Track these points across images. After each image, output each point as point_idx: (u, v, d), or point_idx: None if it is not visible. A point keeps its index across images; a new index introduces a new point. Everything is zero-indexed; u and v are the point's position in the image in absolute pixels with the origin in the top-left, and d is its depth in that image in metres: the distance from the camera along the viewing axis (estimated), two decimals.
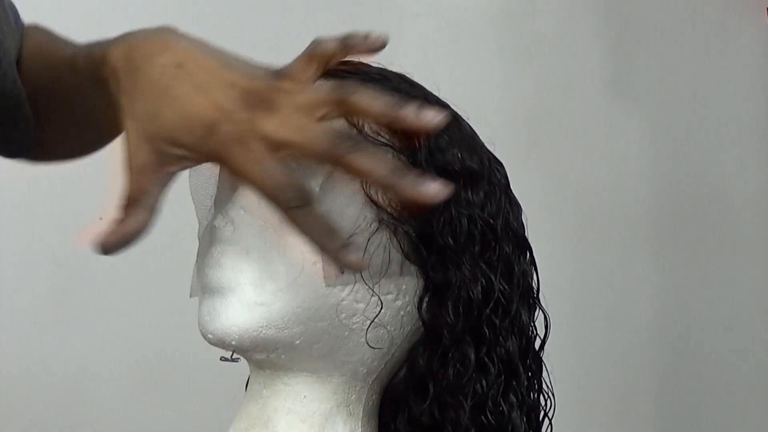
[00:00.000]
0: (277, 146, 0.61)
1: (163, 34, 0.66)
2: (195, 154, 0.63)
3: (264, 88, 0.63)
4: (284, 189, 0.61)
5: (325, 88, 0.64)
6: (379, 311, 0.70)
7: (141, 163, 0.63)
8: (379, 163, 0.62)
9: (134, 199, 0.63)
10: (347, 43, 0.67)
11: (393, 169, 0.61)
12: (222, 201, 0.73)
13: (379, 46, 0.68)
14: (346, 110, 0.64)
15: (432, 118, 0.63)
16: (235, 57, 0.66)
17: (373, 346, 0.70)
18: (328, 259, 0.63)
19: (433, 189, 0.61)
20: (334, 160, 0.62)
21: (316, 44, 0.67)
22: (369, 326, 0.70)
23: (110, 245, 0.63)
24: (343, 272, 0.68)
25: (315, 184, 0.69)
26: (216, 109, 0.61)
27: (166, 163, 0.64)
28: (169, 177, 0.65)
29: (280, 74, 0.66)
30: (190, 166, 0.65)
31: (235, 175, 0.63)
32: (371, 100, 0.64)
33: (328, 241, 0.61)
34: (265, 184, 0.61)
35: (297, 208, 0.61)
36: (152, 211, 0.64)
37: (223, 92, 0.62)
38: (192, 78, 0.63)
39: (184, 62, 0.63)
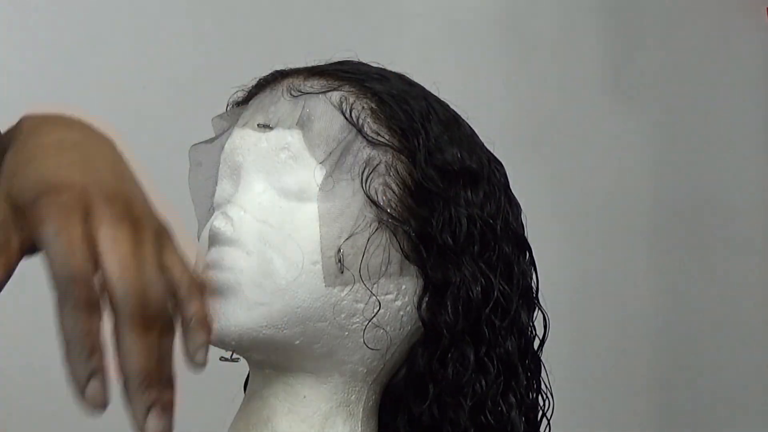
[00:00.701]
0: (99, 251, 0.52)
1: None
2: (23, 213, 0.55)
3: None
4: (69, 283, 0.52)
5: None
6: (379, 311, 0.70)
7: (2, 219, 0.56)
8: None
9: None
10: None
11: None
12: (222, 201, 0.73)
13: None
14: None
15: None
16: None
17: (373, 346, 0.71)
18: (70, 382, 0.54)
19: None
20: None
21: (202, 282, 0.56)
22: (368, 326, 0.70)
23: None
24: (342, 272, 0.68)
25: (315, 184, 0.69)
26: (60, 175, 0.54)
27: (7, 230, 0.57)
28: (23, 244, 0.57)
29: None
30: (22, 236, 0.57)
31: (36, 241, 0.55)
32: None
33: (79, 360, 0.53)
34: (61, 260, 0.52)
35: (69, 309, 0.53)
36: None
37: (82, 171, 0.54)
38: (63, 151, 0.56)
39: (64, 139, 0.57)
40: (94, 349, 0.52)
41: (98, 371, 0.52)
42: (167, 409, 0.54)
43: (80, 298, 0.51)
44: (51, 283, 0.52)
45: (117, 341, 0.52)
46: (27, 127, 0.59)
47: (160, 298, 0.52)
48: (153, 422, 0.54)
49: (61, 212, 0.52)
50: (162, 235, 0.54)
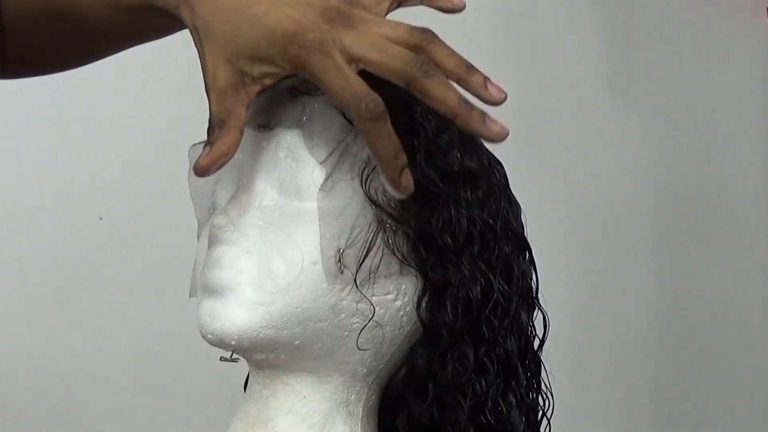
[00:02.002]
0: (354, 60, 0.62)
1: None
2: (276, 66, 0.63)
3: (342, 7, 0.64)
4: (362, 99, 0.61)
5: (404, 26, 0.65)
6: (379, 311, 0.70)
7: (222, 85, 0.64)
8: (451, 92, 0.62)
9: (221, 121, 0.64)
10: None
11: (463, 103, 0.62)
12: (222, 201, 0.73)
13: (458, 8, 0.69)
14: (421, 53, 0.64)
15: (498, 93, 0.64)
16: None
17: (373, 346, 0.71)
18: (385, 177, 0.62)
19: (496, 128, 0.62)
20: (408, 81, 0.62)
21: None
22: (368, 326, 0.70)
23: (204, 167, 0.63)
24: (342, 272, 0.68)
25: (315, 184, 0.69)
26: (296, 22, 0.62)
27: (248, 83, 0.64)
28: (252, 96, 0.65)
29: (354, 1, 0.67)
30: (270, 84, 0.65)
31: (314, 82, 0.63)
32: (448, 53, 0.64)
33: (393, 158, 0.62)
34: (344, 93, 0.61)
35: (372, 120, 0.61)
36: (240, 131, 0.64)
37: (302, 9, 0.63)
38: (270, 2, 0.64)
39: None
40: (398, 147, 0.62)
41: (405, 165, 0.62)
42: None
43: (371, 110, 0.60)
44: (341, 106, 0.62)
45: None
46: None
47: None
48: (494, 125, 0.63)
49: (318, 48, 0.61)
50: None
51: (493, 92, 0.64)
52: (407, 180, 0.62)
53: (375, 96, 0.62)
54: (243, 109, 0.64)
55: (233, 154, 0.64)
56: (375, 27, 0.64)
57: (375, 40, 0.63)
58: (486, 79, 0.64)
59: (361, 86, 0.61)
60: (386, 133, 0.62)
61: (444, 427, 0.71)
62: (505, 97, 0.64)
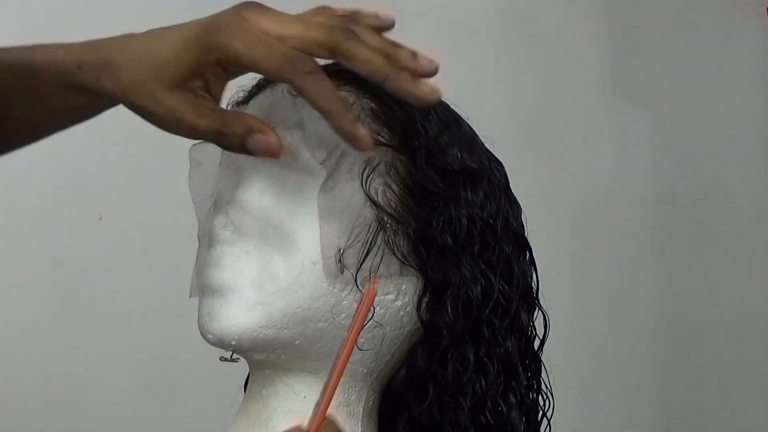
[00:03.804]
0: (279, 36, 0.61)
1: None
2: (206, 66, 0.62)
3: (252, 1, 0.63)
4: (292, 58, 0.60)
5: (321, 9, 0.65)
6: (379, 311, 0.70)
7: (186, 105, 0.62)
8: (377, 54, 0.61)
9: (224, 124, 0.62)
10: (354, 16, 0.67)
11: (391, 65, 0.61)
12: (222, 201, 0.73)
13: (386, 26, 0.67)
14: (338, 32, 0.63)
15: (428, 64, 0.63)
16: None
17: (373, 346, 0.70)
18: (341, 133, 0.61)
19: (427, 89, 0.61)
20: (332, 47, 0.61)
21: (321, 5, 0.67)
22: (368, 326, 0.70)
23: (277, 145, 0.62)
24: (342, 272, 0.68)
25: (315, 184, 0.69)
26: (206, 20, 0.63)
27: (200, 93, 0.63)
28: (220, 93, 0.64)
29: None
30: (220, 85, 0.64)
31: (241, 63, 0.61)
32: (371, 34, 0.63)
33: (342, 110, 0.61)
34: (272, 58, 0.60)
35: (309, 74, 0.60)
36: (246, 116, 0.64)
37: (210, 15, 0.63)
38: (179, 26, 0.64)
39: (168, 27, 0.65)
40: (343, 98, 0.62)
41: (356, 116, 0.63)
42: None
43: (304, 64, 0.60)
44: (274, 74, 0.61)
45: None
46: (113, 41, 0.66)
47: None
48: (425, 86, 0.62)
49: (232, 25, 0.61)
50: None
51: (423, 62, 0.63)
52: (362, 130, 0.61)
53: (304, 54, 0.60)
54: (219, 107, 0.64)
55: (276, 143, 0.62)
56: (291, 14, 0.63)
57: (289, 17, 0.62)
58: (412, 52, 0.63)
59: (287, 48, 0.60)
60: (327, 86, 0.60)
61: (444, 427, 0.71)
62: (437, 67, 0.63)
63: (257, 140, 0.62)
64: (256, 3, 0.63)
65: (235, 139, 0.62)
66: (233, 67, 0.63)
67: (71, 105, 0.69)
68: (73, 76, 0.66)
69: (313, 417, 0.67)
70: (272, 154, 0.62)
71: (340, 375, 0.67)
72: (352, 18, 0.64)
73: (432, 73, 0.63)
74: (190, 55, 0.62)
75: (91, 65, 0.65)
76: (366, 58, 0.61)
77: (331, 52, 0.61)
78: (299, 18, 0.63)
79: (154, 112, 0.63)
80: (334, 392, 0.67)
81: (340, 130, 0.61)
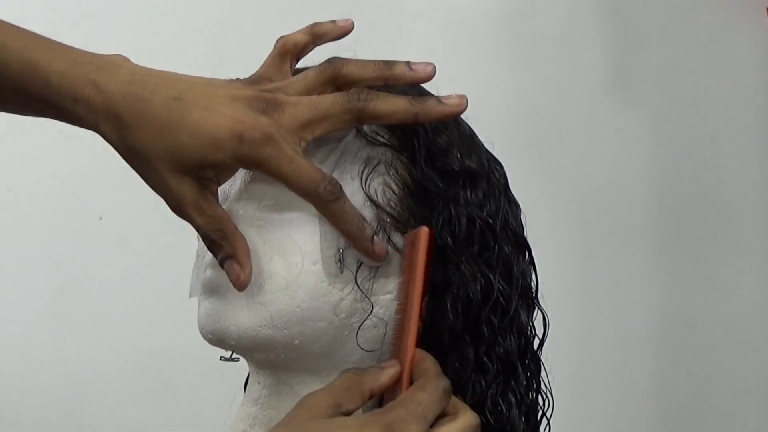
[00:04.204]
0: (301, 136, 0.64)
1: (121, 62, 0.66)
2: (227, 168, 0.65)
3: (261, 92, 0.65)
4: (319, 183, 0.64)
5: (311, 72, 0.67)
6: (378, 311, 0.70)
7: (193, 198, 0.65)
8: (398, 99, 0.65)
9: (219, 231, 0.65)
10: (314, 32, 0.71)
11: (412, 100, 0.65)
12: (222, 201, 0.73)
13: (346, 30, 0.71)
14: (341, 83, 0.67)
15: (424, 68, 0.67)
16: (203, 77, 0.68)
17: (372, 346, 0.70)
18: (359, 250, 0.66)
19: (454, 101, 0.66)
20: (358, 115, 0.65)
21: (283, 40, 0.70)
22: (368, 326, 0.70)
23: (247, 281, 0.66)
24: (342, 272, 0.68)
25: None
26: (236, 122, 0.63)
27: (208, 185, 0.66)
28: (216, 195, 0.67)
29: (257, 80, 0.68)
30: (228, 177, 0.67)
31: (270, 175, 0.65)
32: (362, 66, 0.67)
33: (361, 231, 0.66)
34: (301, 181, 0.64)
35: (332, 201, 0.64)
36: (237, 228, 0.66)
37: (234, 106, 0.64)
38: (195, 104, 0.63)
39: (179, 95, 0.64)
40: (362, 218, 0.67)
41: (373, 232, 0.68)
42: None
43: (329, 192, 0.65)
44: (301, 193, 0.65)
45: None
46: (124, 96, 0.64)
47: None
48: (451, 100, 0.67)
49: (267, 144, 0.63)
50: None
51: (419, 69, 0.67)
52: (380, 247, 0.66)
53: (330, 176, 0.64)
54: (221, 209, 0.66)
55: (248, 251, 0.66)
56: (295, 90, 0.66)
57: (305, 106, 0.65)
58: (407, 63, 0.67)
59: (314, 171, 0.64)
60: (349, 209, 0.65)
61: None
62: (434, 68, 0.67)
63: (231, 267, 0.65)
64: (272, 98, 0.65)
65: (217, 252, 0.66)
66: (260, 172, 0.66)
67: (38, 112, 0.69)
68: (64, 104, 0.65)
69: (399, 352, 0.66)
70: (236, 285, 0.66)
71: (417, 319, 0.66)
72: (335, 68, 0.66)
73: (431, 75, 0.67)
74: (217, 156, 0.63)
75: (90, 104, 0.64)
76: (390, 111, 0.65)
77: (359, 121, 0.66)
78: (312, 102, 0.65)
79: (156, 186, 0.65)
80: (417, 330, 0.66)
81: (358, 248, 0.66)
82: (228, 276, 0.65)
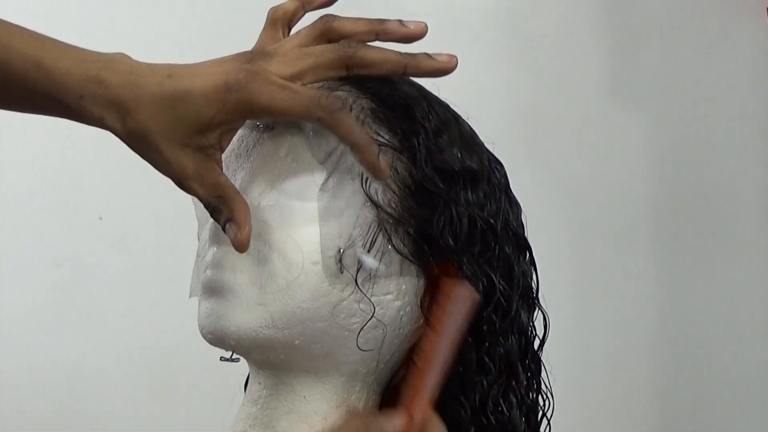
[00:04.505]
0: (293, 76, 0.64)
1: (121, 58, 0.67)
2: (226, 123, 0.64)
3: (252, 49, 0.66)
4: (319, 98, 0.63)
5: (303, 29, 0.68)
6: (378, 311, 0.70)
7: (193, 169, 0.65)
8: (388, 50, 0.65)
9: (219, 197, 0.65)
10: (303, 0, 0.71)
11: (402, 53, 0.66)
12: None
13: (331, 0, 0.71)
14: (333, 36, 0.67)
15: (416, 25, 0.68)
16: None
17: (372, 346, 0.70)
18: (365, 165, 0.66)
19: (444, 58, 0.68)
20: (347, 63, 0.65)
21: (273, 9, 0.70)
22: (368, 326, 0.70)
23: (244, 241, 0.65)
24: (342, 272, 0.68)
25: (315, 184, 0.69)
26: (221, 73, 0.64)
27: (211, 153, 0.65)
28: (220, 162, 0.66)
29: (253, 51, 0.68)
30: (230, 138, 0.66)
31: (268, 114, 0.64)
32: (354, 21, 0.67)
33: (369, 144, 0.65)
34: (299, 103, 0.63)
35: (337, 112, 0.63)
36: (239, 194, 0.66)
37: (220, 63, 0.65)
38: (185, 75, 0.65)
39: (171, 72, 0.65)
40: (368, 132, 0.67)
41: (378, 149, 0.66)
42: None
43: (332, 102, 0.64)
44: (303, 117, 0.65)
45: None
46: (122, 85, 0.65)
47: None
48: (441, 57, 0.69)
49: (254, 81, 0.63)
50: None
51: (411, 27, 0.68)
52: (385, 163, 0.66)
53: (328, 92, 0.64)
54: (224, 176, 0.66)
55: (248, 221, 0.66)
56: (287, 46, 0.66)
57: (295, 54, 0.65)
58: (400, 21, 0.68)
59: (311, 91, 0.63)
60: (354, 121, 0.65)
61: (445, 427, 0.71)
62: (426, 26, 0.69)
63: (231, 230, 0.65)
64: (260, 51, 0.66)
65: (218, 218, 0.66)
66: (261, 117, 0.67)
67: (43, 109, 0.70)
68: (69, 101, 0.66)
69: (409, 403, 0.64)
70: (235, 245, 0.65)
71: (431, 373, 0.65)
72: (327, 23, 0.67)
73: (423, 32, 0.69)
74: (210, 112, 0.63)
75: (96, 100, 0.65)
76: (380, 60, 0.65)
77: (348, 67, 0.65)
78: (302, 51, 0.65)
79: (159, 164, 0.65)
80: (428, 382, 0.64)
81: (364, 162, 0.65)
82: (229, 239, 0.65)
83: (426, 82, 0.75)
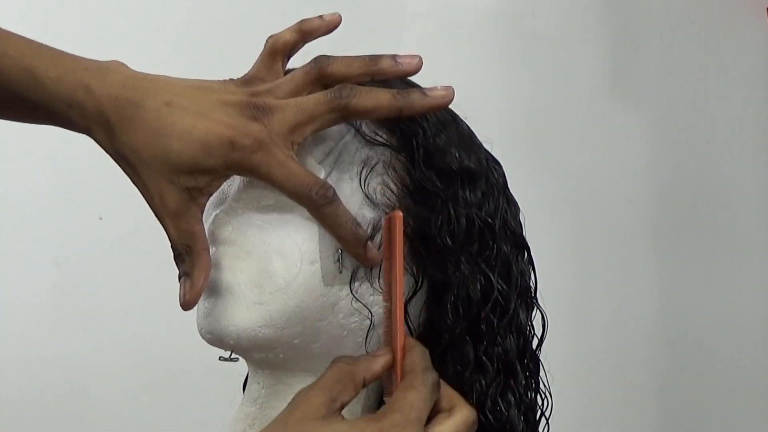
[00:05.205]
0: (292, 139, 0.64)
1: (117, 67, 0.66)
2: (218, 174, 0.65)
3: (251, 97, 0.65)
4: (312, 187, 0.64)
5: (298, 72, 0.67)
6: (377, 311, 0.70)
7: (174, 207, 0.65)
8: (382, 94, 0.65)
9: (187, 247, 0.66)
10: (302, 29, 0.71)
11: (396, 94, 0.65)
12: (220, 201, 0.73)
13: (334, 24, 0.71)
14: (328, 81, 0.67)
15: (410, 61, 0.67)
16: (197, 79, 0.67)
17: (372, 346, 0.70)
18: (355, 254, 0.66)
19: (440, 93, 0.67)
20: (343, 112, 0.65)
21: (272, 39, 0.70)
22: (367, 326, 0.70)
23: (192, 301, 0.66)
24: (341, 272, 0.68)
25: None
26: (227, 127, 0.63)
27: (196, 196, 0.65)
28: (203, 207, 0.66)
29: (249, 80, 0.68)
30: (219, 185, 0.67)
31: (262, 181, 0.65)
32: (347, 63, 0.67)
33: (354, 236, 0.65)
34: (293, 186, 0.64)
35: (326, 205, 0.64)
36: (208, 251, 0.66)
37: (222, 112, 0.64)
38: (187, 110, 0.63)
39: (171, 99, 0.64)
40: (355, 222, 0.66)
41: (366, 236, 0.67)
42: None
43: (322, 195, 0.65)
44: (294, 197, 0.66)
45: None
46: (114, 101, 0.64)
47: None
48: (436, 92, 0.68)
49: (258, 150, 0.64)
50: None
51: (404, 62, 0.67)
52: (372, 251, 0.66)
53: (322, 181, 0.64)
54: (201, 226, 0.66)
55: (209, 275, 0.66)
56: (281, 94, 0.66)
57: (291, 108, 0.65)
58: (393, 57, 0.67)
59: (307, 175, 0.64)
60: (342, 213, 0.65)
61: None
62: (420, 60, 0.67)
63: (183, 285, 0.66)
64: (262, 104, 0.65)
65: (178, 265, 0.67)
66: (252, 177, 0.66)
67: (34, 118, 0.70)
68: (59, 109, 0.66)
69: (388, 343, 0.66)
70: (182, 304, 0.66)
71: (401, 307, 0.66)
72: (321, 68, 0.67)
73: (418, 67, 0.68)
74: (209, 162, 0.63)
75: (84, 111, 0.65)
76: (374, 106, 0.65)
77: (344, 118, 0.66)
78: (299, 105, 0.65)
79: (142, 191, 0.65)
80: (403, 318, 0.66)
81: (351, 253, 0.66)
82: (179, 287, 0.66)
83: (425, 82, 0.75)
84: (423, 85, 0.76)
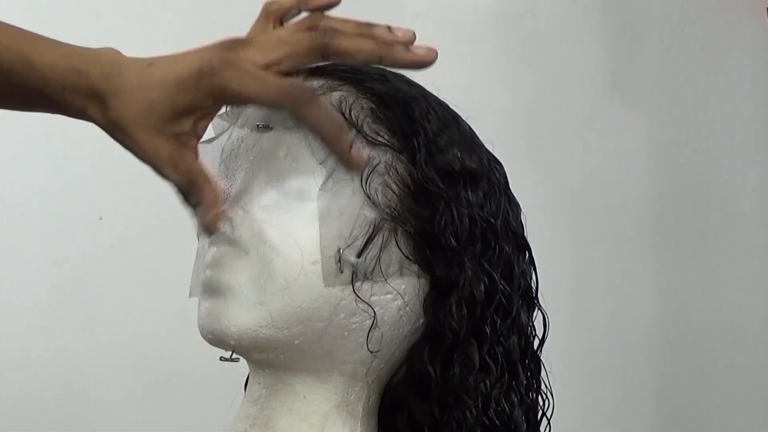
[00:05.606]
0: (265, 67, 0.63)
1: (109, 52, 0.68)
2: (200, 109, 0.64)
3: (233, 39, 0.66)
4: (288, 88, 0.63)
5: (291, 25, 0.67)
6: (378, 311, 0.70)
7: (167, 155, 0.65)
8: (365, 40, 0.65)
9: (190, 182, 0.65)
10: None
11: (380, 43, 0.65)
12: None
13: (333, 2, 0.69)
14: (321, 35, 0.66)
15: (404, 33, 0.66)
16: None
17: (372, 346, 0.70)
18: (337, 156, 0.65)
19: (422, 51, 0.65)
20: (322, 50, 0.64)
21: (268, 1, 0.70)
22: (368, 326, 0.70)
23: (211, 225, 0.66)
24: (342, 272, 0.68)
25: (315, 184, 0.69)
26: (197, 59, 0.64)
27: (185, 140, 0.65)
28: (196, 150, 0.66)
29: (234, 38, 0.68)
30: (206, 124, 0.66)
31: (239, 101, 0.65)
32: (343, 21, 0.66)
33: (339, 134, 0.64)
34: (269, 92, 0.63)
35: (305, 104, 0.63)
36: (211, 180, 0.66)
37: (199, 50, 0.65)
38: (165, 63, 0.65)
39: (153, 60, 0.65)
40: (340, 122, 0.66)
41: (352, 139, 0.66)
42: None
43: (301, 93, 0.64)
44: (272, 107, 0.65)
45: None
46: (105, 76, 0.65)
47: None
48: (420, 50, 0.66)
49: (227, 67, 0.63)
50: None
51: (399, 34, 0.66)
52: (358, 153, 0.65)
53: (299, 82, 0.64)
54: (197, 162, 0.66)
55: (221, 204, 0.66)
56: (269, 35, 0.66)
57: (273, 42, 0.65)
58: (388, 27, 0.66)
59: (280, 80, 0.63)
60: (324, 111, 0.64)
61: (448, 427, 0.71)
62: (414, 34, 0.66)
63: (199, 213, 0.66)
64: (239, 39, 0.66)
65: (189, 202, 0.66)
66: (232, 104, 0.66)
67: (29, 105, 0.70)
68: (53, 93, 0.66)
69: None
70: (204, 228, 0.66)
71: None
72: (314, 20, 0.66)
73: (411, 40, 0.66)
74: (185, 98, 0.64)
75: (77, 91, 0.66)
76: (356, 48, 0.64)
77: (324, 56, 0.64)
78: (280, 39, 0.65)
79: (136, 152, 0.66)
80: None
81: (335, 154, 0.65)
82: (198, 221, 0.66)
83: (426, 82, 0.75)
84: (423, 84, 0.76)
